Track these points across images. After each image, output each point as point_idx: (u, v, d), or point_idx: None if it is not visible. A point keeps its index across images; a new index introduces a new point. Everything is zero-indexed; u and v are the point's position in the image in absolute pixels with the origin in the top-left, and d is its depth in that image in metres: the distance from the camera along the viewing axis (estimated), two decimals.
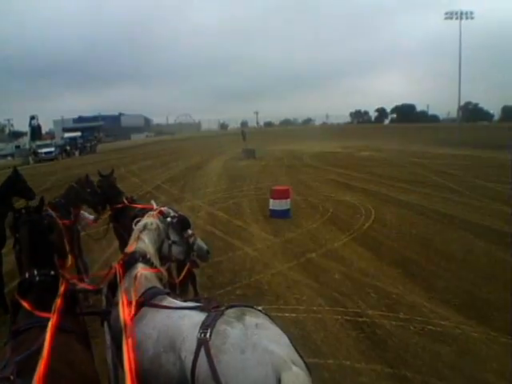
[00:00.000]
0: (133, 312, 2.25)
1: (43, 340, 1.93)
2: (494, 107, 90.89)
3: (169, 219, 3.26)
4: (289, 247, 8.30)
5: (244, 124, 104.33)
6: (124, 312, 2.21)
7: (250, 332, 1.86)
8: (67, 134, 50.97)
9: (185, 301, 2.37)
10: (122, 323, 2.14)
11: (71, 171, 24.87)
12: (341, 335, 4.85)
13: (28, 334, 2.09)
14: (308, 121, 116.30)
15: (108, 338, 2.52)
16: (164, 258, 3.24)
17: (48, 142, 45.38)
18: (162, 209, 3.33)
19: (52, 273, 2.54)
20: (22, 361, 1.82)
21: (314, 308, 5.55)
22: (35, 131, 47.99)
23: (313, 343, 4.64)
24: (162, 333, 2.12)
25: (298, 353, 1.89)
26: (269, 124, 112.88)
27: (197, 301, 2.33)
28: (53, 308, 2.19)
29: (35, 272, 2.47)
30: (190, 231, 3.39)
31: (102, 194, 5.87)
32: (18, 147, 47.31)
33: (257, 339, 1.83)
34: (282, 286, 6.37)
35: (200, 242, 3.43)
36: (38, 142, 43.99)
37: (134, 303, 2.30)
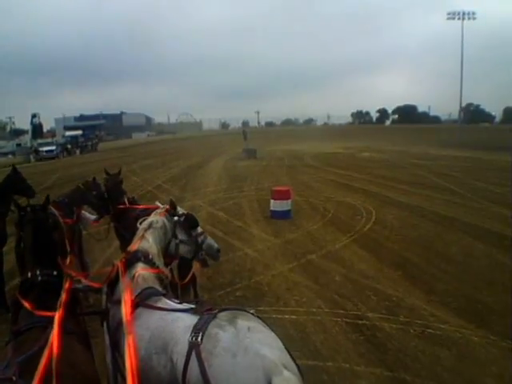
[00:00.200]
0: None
1: (45, 340, 1.93)
2: (495, 109, 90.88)
3: (176, 218, 3.26)
4: (289, 248, 8.30)
5: (245, 124, 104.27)
6: (125, 309, 2.21)
7: (241, 335, 1.85)
8: (68, 133, 50.97)
9: (180, 303, 2.36)
10: (124, 320, 2.14)
11: (72, 170, 24.96)
12: (340, 338, 4.85)
13: (29, 334, 2.09)
14: (309, 121, 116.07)
15: (107, 337, 2.52)
16: (171, 257, 3.22)
17: (49, 140, 45.34)
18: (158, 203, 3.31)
19: (55, 273, 2.54)
20: (24, 361, 1.82)
21: (314, 310, 5.54)
22: (36, 129, 47.98)
23: (312, 345, 4.64)
24: (155, 334, 2.12)
25: (292, 356, 1.88)
26: (270, 124, 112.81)
27: (191, 303, 2.31)
28: (58, 303, 2.20)
29: (38, 272, 2.47)
30: (199, 229, 3.38)
31: (106, 193, 5.85)
32: (19, 145, 47.24)
33: (248, 343, 1.82)
34: (282, 287, 6.37)
35: (210, 241, 3.41)
36: (40, 140, 43.95)
37: (128, 303, 2.30)
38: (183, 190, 16.15)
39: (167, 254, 3.24)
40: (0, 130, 62.37)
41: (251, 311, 2.09)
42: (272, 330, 1.98)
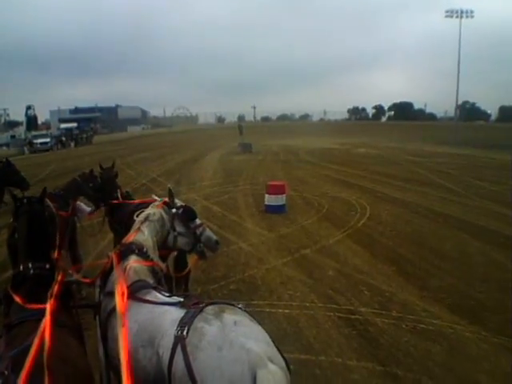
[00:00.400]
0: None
1: (37, 334, 1.91)
2: (491, 107, 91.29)
3: (174, 210, 3.23)
4: (283, 243, 8.31)
5: (241, 118, 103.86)
6: (119, 300, 2.20)
7: (227, 329, 1.85)
8: (63, 125, 50.66)
9: (170, 296, 2.34)
10: (118, 312, 2.12)
11: (66, 162, 24.79)
12: (333, 332, 4.85)
13: (22, 328, 2.06)
14: (305, 116, 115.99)
15: (99, 331, 2.51)
16: (169, 249, 3.18)
17: (44, 132, 44.93)
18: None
19: (47, 266, 2.51)
20: (16, 355, 1.80)
21: (307, 304, 5.55)
22: (31, 121, 47.63)
23: (305, 340, 4.63)
24: (142, 327, 2.11)
25: (279, 350, 1.89)
26: (266, 119, 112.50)
27: (180, 296, 2.30)
28: (49, 294, 2.17)
29: (30, 265, 2.44)
30: (197, 221, 3.36)
31: (100, 186, 5.81)
32: (13, 137, 46.79)
33: (234, 336, 1.82)
34: (276, 281, 6.37)
35: (208, 233, 3.38)
36: (34, 133, 43.54)
37: (123, 295, 2.28)
38: (178, 183, 16.07)
39: (165, 247, 3.22)
40: None
41: (239, 305, 2.09)
42: (260, 324, 1.98)
